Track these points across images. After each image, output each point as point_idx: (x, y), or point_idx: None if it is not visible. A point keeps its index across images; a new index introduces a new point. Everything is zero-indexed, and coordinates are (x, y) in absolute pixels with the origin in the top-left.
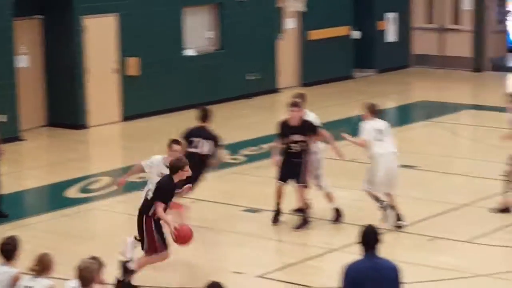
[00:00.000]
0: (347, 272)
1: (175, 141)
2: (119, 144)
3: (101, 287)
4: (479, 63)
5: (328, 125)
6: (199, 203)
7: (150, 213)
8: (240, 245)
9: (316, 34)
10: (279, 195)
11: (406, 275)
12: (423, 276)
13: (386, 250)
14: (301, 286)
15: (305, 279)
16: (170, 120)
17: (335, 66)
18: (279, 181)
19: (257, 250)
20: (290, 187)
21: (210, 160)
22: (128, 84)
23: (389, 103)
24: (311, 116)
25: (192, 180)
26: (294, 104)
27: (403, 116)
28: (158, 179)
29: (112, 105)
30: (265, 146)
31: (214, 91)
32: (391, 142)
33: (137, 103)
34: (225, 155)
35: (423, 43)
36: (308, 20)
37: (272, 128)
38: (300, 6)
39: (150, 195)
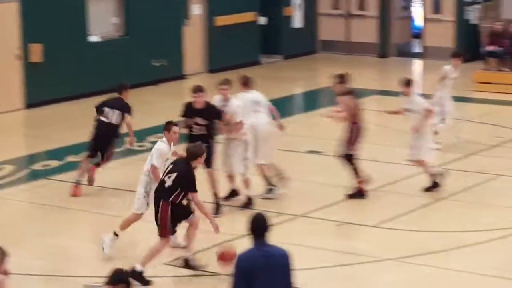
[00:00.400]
0: (237, 262)
1: (174, 124)
2: (21, 132)
3: (5, 277)
4: (384, 49)
5: None
6: (105, 191)
7: (171, 199)
8: (149, 233)
9: (223, 20)
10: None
11: (313, 261)
12: (330, 261)
13: (293, 235)
14: (208, 273)
15: (212, 267)
16: (74, 108)
17: (241, 52)
18: None
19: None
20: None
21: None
22: (31, 71)
23: (296, 89)
24: (256, 95)
25: (102, 148)
26: (196, 90)
27: (310, 102)
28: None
29: (14, 92)
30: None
31: (120, 78)
32: (266, 113)
33: (41, 90)
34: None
35: (329, 29)
36: (214, 6)
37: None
38: None
39: (169, 182)
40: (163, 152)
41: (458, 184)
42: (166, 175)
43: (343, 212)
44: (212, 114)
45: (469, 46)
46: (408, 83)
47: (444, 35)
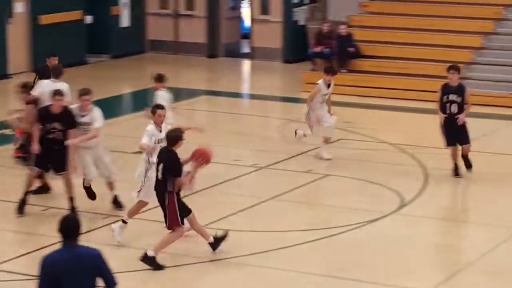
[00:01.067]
0: (43, 264)
1: (159, 106)
2: None
3: None
4: (213, 49)
5: None
6: None
7: (170, 189)
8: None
9: (47, 19)
10: (30, 184)
11: (137, 263)
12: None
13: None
14: (33, 277)
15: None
16: None
17: (68, 51)
18: (37, 169)
19: None
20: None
21: None
22: None
23: (125, 89)
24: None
25: None
26: (57, 93)
27: (139, 101)
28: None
29: None
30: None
31: None
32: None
33: None
34: None
35: (158, 29)
36: (38, 4)
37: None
38: None
39: (160, 174)
40: (150, 132)
41: (289, 185)
42: (157, 169)
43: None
44: (67, 120)
45: (297, 47)
46: (159, 78)
47: (272, 36)
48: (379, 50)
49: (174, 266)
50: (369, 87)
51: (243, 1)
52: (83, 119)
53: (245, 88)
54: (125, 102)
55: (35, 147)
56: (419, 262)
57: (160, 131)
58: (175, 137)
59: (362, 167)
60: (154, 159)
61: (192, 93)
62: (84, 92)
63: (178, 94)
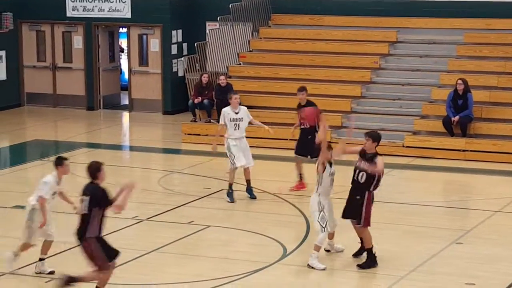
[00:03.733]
0: None
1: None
2: None
3: None
4: (91, 101)
5: None
6: None
7: (93, 233)
8: None
9: None
10: None
11: None
12: None
13: None
14: None
15: None
16: None
17: None
18: None
19: None
20: None
21: None
22: None
23: (2, 143)
24: None
25: None
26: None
27: (17, 155)
28: None
29: None
30: None
31: None
32: None
33: None
34: None
35: (35, 82)
36: None
37: None
38: None
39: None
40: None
41: (171, 237)
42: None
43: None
44: None
45: (177, 98)
46: None
47: (151, 87)
48: (258, 100)
49: None
50: (249, 138)
51: (122, 53)
52: None
53: (125, 140)
54: (3, 156)
55: None
56: None
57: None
58: (96, 169)
59: (244, 217)
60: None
61: (71, 146)
62: None
63: (57, 147)
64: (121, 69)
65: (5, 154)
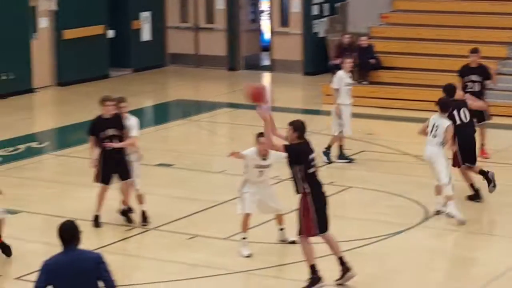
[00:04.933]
0: (42, 267)
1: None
2: None
3: None
4: (233, 62)
5: (85, 125)
6: None
7: None
8: None
9: (71, 34)
10: (102, 198)
11: (165, 274)
12: (180, 274)
13: (144, 249)
14: None
15: None
16: None
17: (91, 66)
18: (103, 183)
19: (15, 252)
20: None
21: None
22: None
23: (146, 102)
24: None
25: None
26: (106, 99)
27: (160, 115)
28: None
29: None
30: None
31: None
32: None
33: None
34: None
35: (178, 42)
36: (62, 20)
37: (28, 128)
38: (52, 5)
39: None
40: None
41: None
42: None
43: (193, 225)
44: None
45: (317, 59)
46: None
47: (291, 48)
48: (400, 61)
49: (202, 277)
50: (390, 99)
51: (263, 14)
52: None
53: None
54: (147, 115)
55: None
56: (445, 276)
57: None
58: None
59: (384, 179)
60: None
61: (212, 106)
62: (119, 100)
63: (199, 107)
64: (261, 30)
65: (149, 113)
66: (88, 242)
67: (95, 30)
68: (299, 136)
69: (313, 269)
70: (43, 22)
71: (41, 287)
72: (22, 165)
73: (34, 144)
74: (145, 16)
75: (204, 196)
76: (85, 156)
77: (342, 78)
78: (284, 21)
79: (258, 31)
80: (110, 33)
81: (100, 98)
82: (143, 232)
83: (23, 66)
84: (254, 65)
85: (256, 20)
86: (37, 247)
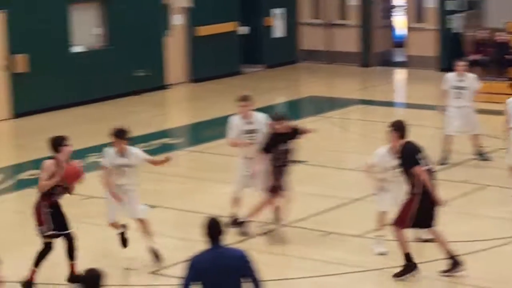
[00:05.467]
0: (191, 263)
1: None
2: (9, 142)
3: (0, 284)
4: (366, 58)
5: (218, 121)
6: (94, 200)
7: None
8: (132, 241)
9: (204, 30)
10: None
11: (299, 270)
12: (315, 271)
13: (278, 245)
14: None
15: None
16: (59, 117)
17: (223, 62)
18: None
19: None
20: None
21: None
22: (17, 81)
23: (278, 98)
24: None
25: None
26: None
27: (292, 111)
28: None
29: (1, 103)
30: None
31: (103, 88)
32: None
33: (27, 100)
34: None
35: (310, 39)
36: (195, 16)
37: (162, 124)
38: (187, 2)
39: None
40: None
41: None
42: None
43: (327, 221)
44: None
45: (453, 55)
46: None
47: (426, 44)
48: None
49: (335, 274)
50: None
51: (395, 10)
52: (247, 127)
53: (399, 97)
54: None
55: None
56: None
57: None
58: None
59: None
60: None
61: (345, 103)
62: (242, 98)
63: (331, 103)
64: (393, 26)
65: (281, 110)
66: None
67: (228, 27)
68: (401, 136)
69: (407, 257)
70: (177, 19)
71: (189, 284)
72: None
73: (167, 140)
74: (278, 12)
75: (338, 193)
76: (217, 152)
77: (449, 80)
78: (419, 17)
79: (390, 27)
80: (243, 30)
81: (237, 97)
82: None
83: (157, 63)
84: (386, 62)
85: (388, 16)
86: (171, 241)
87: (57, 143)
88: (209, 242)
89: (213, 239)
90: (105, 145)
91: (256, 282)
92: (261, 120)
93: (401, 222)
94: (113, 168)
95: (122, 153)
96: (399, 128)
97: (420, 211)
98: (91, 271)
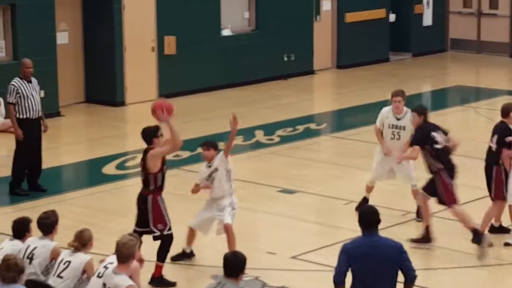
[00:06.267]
0: (343, 248)
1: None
2: (154, 122)
3: (139, 264)
4: None
5: (363, 108)
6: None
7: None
8: (274, 226)
9: (353, 17)
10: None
11: (440, 260)
12: (459, 262)
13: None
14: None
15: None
16: (205, 99)
17: (370, 49)
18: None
19: (291, 231)
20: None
21: None
22: (165, 63)
23: (425, 87)
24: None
25: None
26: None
27: (439, 100)
28: None
29: (149, 83)
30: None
31: (250, 72)
32: None
33: (173, 82)
34: None
35: (459, 28)
36: (344, 2)
37: (308, 109)
38: None
39: None
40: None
41: None
42: None
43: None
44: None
45: None
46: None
47: None
48: None
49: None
50: None
51: None
52: (398, 122)
53: None
54: (426, 100)
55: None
56: None
57: None
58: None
59: None
60: None
61: (492, 93)
62: (396, 93)
63: (478, 94)
64: None
65: (427, 99)
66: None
67: (377, 13)
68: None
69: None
70: (326, 5)
71: (343, 270)
72: (301, 146)
73: (312, 125)
74: (427, 0)
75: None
76: (361, 139)
77: None
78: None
79: None
80: (392, 17)
81: (393, 91)
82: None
83: (306, 48)
84: None
85: None
86: (311, 226)
87: (152, 134)
88: (364, 229)
89: (368, 227)
90: (252, 128)
91: (411, 275)
92: (409, 118)
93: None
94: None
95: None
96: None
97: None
98: (233, 254)
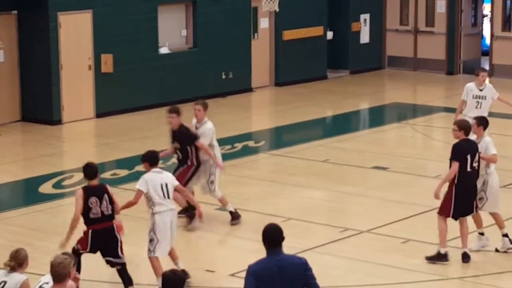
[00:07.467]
0: (249, 270)
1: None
2: (92, 141)
3: (74, 283)
4: (452, 65)
5: (301, 125)
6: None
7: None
8: (213, 244)
9: (290, 34)
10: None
11: (378, 277)
12: (395, 278)
13: (359, 251)
14: None
15: None
16: (142, 118)
17: (308, 66)
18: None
19: (229, 249)
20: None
21: None
22: (102, 81)
23: (363, 104)
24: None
25: None
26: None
27: (376, 117)
28: None
29: (86, 102)
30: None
31: (188, 89)
32: None
33: (111, 100)
34: None
35: (396, 45)
36: (282, 20)
37: (246, 127)
38: (274, 6)
39: None
40: None
41: None
42: None
43: (408, 229)
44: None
45: None
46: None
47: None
48: None
49: (415, 282)
50: None
51: (485, 18)
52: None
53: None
54: (363, 118)
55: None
56: None
57: None
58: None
59: None
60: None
61: (429, 110)
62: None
63: (415, 110)
64: (482, 34)
65: (365, 116)
66: (301, 241)
67: (315, 31)
68: (466, 134)
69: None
70: (264, 23)
71: None
72: (239, 164)
73: (251, 143)
74: (364, 18)
75: (419, 200)
76: (299, 156)
77: (470, 89)
78: (505, 25)
79: (479, 35)
80: (329, 35)
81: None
82: (357, 234)
83: (244, 66)
84: (473, 70)
85: (477, 23)
86: (249, 244)
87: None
88: (268, 249)
89: (272, 246)
90: None
91: None
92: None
93: (444, 211)
94: None
95: None
96: (463, 127)
97: (457, 200)
98: (172, 273)
